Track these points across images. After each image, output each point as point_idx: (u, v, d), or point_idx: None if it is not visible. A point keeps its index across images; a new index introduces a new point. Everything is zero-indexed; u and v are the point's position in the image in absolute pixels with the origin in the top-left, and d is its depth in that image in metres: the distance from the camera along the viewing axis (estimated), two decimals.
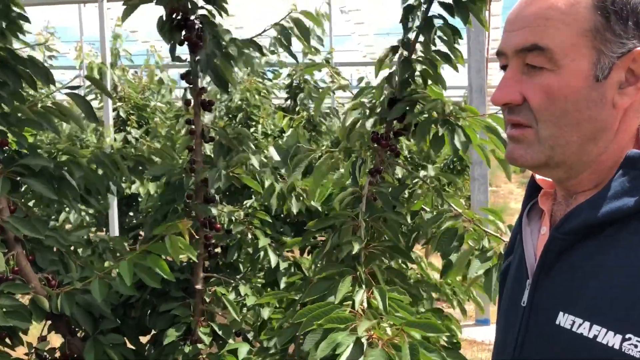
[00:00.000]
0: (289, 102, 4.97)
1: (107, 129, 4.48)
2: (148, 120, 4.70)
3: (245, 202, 2.51)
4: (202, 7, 1.84)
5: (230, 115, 4.91)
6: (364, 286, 1.40)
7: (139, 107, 4.64)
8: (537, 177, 0.85)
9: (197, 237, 1.80)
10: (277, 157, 1.64)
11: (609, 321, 0.64)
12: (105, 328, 1.74)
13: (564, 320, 0.68)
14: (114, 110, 4.72)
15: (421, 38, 1.60)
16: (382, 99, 1.61)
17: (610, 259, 0.66)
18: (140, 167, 2.04)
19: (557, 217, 0.79)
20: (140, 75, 5.01)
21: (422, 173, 2.25)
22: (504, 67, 0.76)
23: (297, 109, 4.82)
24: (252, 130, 4.84)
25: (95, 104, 5.29)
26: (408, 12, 1.56)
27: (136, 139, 4.65)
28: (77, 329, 1.81)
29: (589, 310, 0.66)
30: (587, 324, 0.66)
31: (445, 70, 1.77)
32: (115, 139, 4.67)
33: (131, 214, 4.50)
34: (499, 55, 0.77)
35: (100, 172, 1.93)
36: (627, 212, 0.66)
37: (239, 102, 4.82)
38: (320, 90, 4.17)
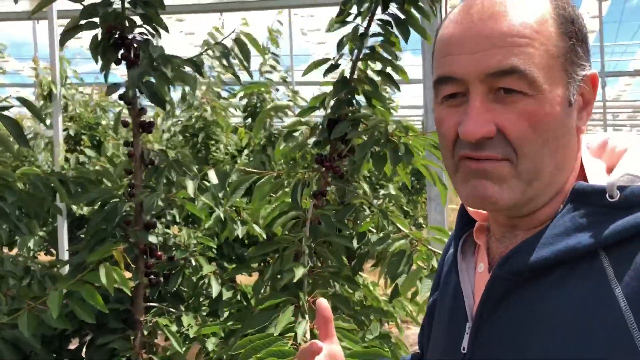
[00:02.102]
0: (248, 120, 4.90)
1: (57, 148, 4.32)
2: (100, 139, 4.56)
3: (206, 224, 2.41)
4: (140, 26, 1.77)
5: (188, 134, 4.81)
6: (307, 316, 1.34)
7: (90, 126, 4.51)
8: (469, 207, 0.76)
9: (133, 266, 1.71)
10: (215, 181, 1.58)
11: None
12: None
13: None
14: (64, 130, 4.57)
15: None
16: (322, 120, 1.57)
17: (560, 303, 0.60)
18: (82, 190, 1.94)
19: (495, 253, 0.71)
20: (91, 94, 4.87)
21: (382, 192, 2.21)
22: (451, 96, 0.65)
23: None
24: (213, 149, 4.74)
25: (47, 122, 5.11)
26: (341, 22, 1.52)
27: (89, 159, 4.50)
28: None
29: None
30: None
31: (404, 90, 1.74)
32: (68, 159, 4.50)
33: (82, 236, 4.32)
34: (446, 81, 0.64)
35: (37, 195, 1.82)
36: (581, 251, 0.60)
37: (198, 121, 4.72)
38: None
